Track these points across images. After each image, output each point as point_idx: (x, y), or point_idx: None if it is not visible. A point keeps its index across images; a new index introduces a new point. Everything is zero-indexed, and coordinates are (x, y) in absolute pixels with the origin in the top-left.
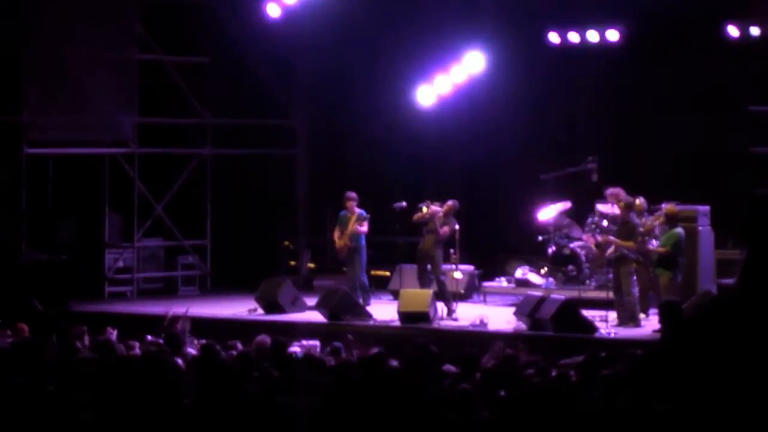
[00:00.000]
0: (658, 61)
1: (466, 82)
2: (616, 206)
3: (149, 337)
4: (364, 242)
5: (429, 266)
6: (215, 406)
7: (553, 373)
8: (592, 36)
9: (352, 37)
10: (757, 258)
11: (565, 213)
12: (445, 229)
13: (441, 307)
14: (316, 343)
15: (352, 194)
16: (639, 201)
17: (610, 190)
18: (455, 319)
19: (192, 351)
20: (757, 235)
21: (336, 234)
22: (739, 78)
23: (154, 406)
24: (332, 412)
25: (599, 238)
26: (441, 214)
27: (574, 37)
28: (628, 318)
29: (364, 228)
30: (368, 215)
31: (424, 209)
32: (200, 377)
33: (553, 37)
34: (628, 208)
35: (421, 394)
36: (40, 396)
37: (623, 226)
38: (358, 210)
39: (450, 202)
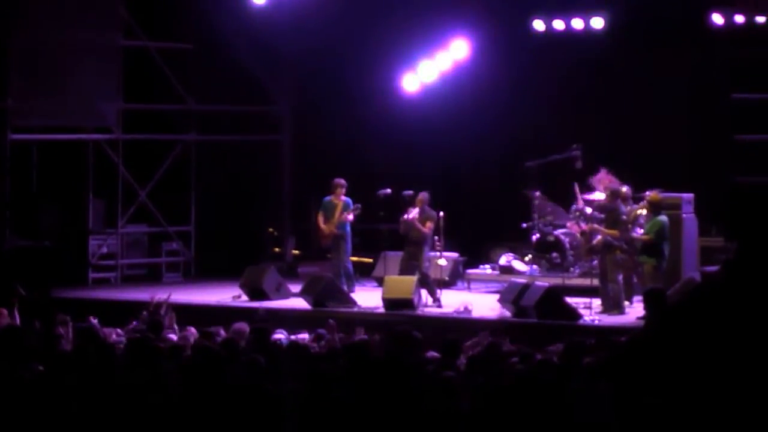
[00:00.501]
0: (642, 48)
1: (452, 68)
2: (602, 190)
3: (135, 323)
4: (349, 230)
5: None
6: (200, 393)
7: (536, 360)
8: (577, 23)
9: (337, 24)
10: (743, 246)
11: (547, 199)
12: (429, 225)
13: (425, 295)
14: (305, 335)
15: (341, 181)
16: (624, 189)
17: (596, 178)
18: (440, 306)
19: (173, 337)
20: (744, 223)
21: (320, 220)
22: (724, 65)
23: (139, 393)
24: (318, 399)
25: (583, 225)
26: (416, 216)
27: (559, 24)
28: (612, 305)
29: (351, 217)
30: (358, 205)
31: (404, 217)
32: (185, 364)
33: (538, 25)
34: (614, 195)
35: (406, 380)
36: (22, 382)
37: (610, 214)
38: (344, 198)
39: (421, 195)
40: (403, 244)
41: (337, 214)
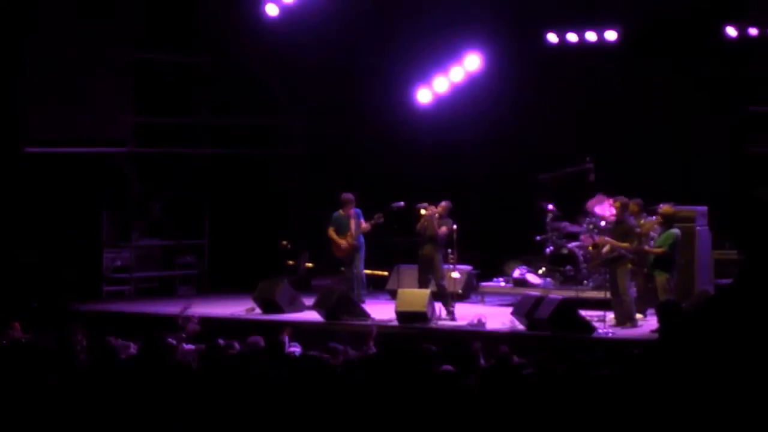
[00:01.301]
0: (656, 61)
1: (465, 81)
2: (610, 206)
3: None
4: (363, 239)
5: (431, 273)
6: (216, 406)
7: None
8: (591, 36)
9: (351, 37)
10: (754, 257)
11: (559, 214)
12: (443, 229)
13: (439, 307)
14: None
15: (350, 196)
16: (635, 202)
17: (591, 201)
18: (454, 319)
19: (190, 347)
20: (754, 235)
21: (332, 234)
22: (738, 78)
23: (151, 404)
24: (333, 412)
25: (597, 238)
26: (437, 215)
27: (572, 37)
28: (624, 318)
29: (366, 227)
30: (380, 214)
31: (423, 211)
32: (201, 376)
33: (552, 37)
34: (623, 208)
35: (421, 392)
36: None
37: (618, 226)
38: (355, 210)
39: (444, 203)
40: (417, 251)
41: (353, 227)
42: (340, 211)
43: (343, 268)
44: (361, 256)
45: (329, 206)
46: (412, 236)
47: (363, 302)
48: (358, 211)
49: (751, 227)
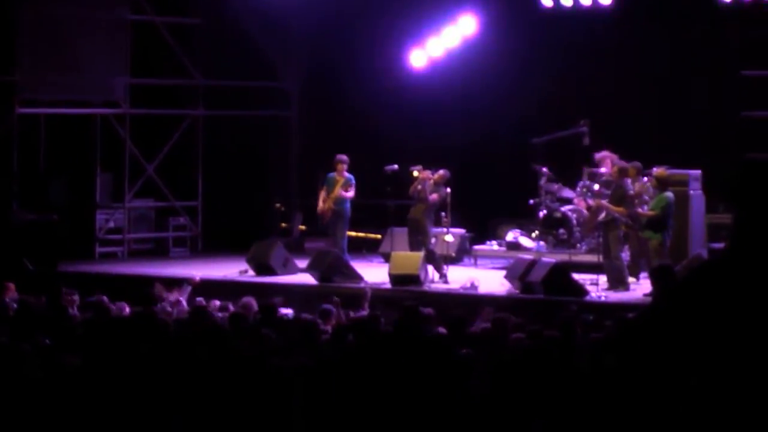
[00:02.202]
0: (650, 24)
1: (459, 44)
2: (605, 166)
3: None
4: (348, 207)
5: (420, 236)
6: (205, 367)
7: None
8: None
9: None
10: (746, 220)
11: (552, 177)
12: (434, 196)
13: (432, 270)
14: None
15: (343, 157)
16: (634, 165)
17: (600, 154)
18: (446, 282)
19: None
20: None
21: (321, 195)
22: (732, 42)
23: (143, 365)
24: (326, 375)
25: (591, 201)
26: (431, 181)
27: (566, 0)
28: (617, 282)
29: (350, 194)
30: (353, 183)
31: (416, 173)
32: (192, 338)
33: (546, 1)
34: (621, 173)
35: (416, 355)
36: (31, 353)
37: (616, 191)
38: (347, 175)
39: (441, 171)
40: (406, 214)
41: (336, 189)
42: (335, 174)
43: (329, 232)
44: (343, 224)
45: (323, 168)
46: (405, 199)
47: None
48: (351, 176)
49: (747, 189)
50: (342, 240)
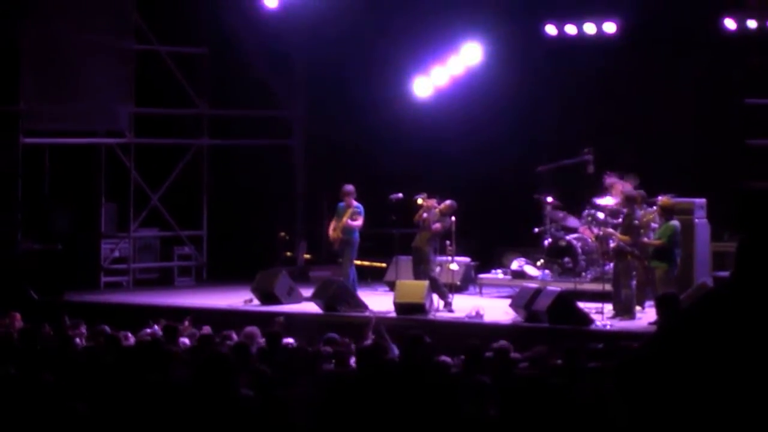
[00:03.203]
0: (654, 53)
1: (463, 73)
2: (614, 194)
3: (148, 330)
4: (357, 236)
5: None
6: (210, 398)
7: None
8: (589, 28)
9: (350, 28)
10: (749, 248)
11: (557, 206)
12: (438, 225)
13: (437, 299)
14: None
15: (349, 187)
16: (639, 194)
17: (610, 180)
18: (451, 311)
19: (185, 341)
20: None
21: (332, 225)
22: (736, 71)
23: (148, 395)
24: (330, 404)
25: (596, 230)
26: (437, 210)
27: (571, 29)
28: (623, 310)
29: (357, 223)
30: (361, 212)
31: (420, 201)
32: (195, 368)
33: (551, 29)
34: (630, 201)
35: (420, 384)
36: (35, 386)
37: (625, 219)
38: (355, 204)
39: (448, 202)
40: (411, 242)
41: (344, 219)
42: (344, 204)
43: (340, 260)
44: (352, 254)
45: (327, 197)
46: (410, 228)
47: None
48: (359, 206)
49: (749, 217)
50: (349, 268)
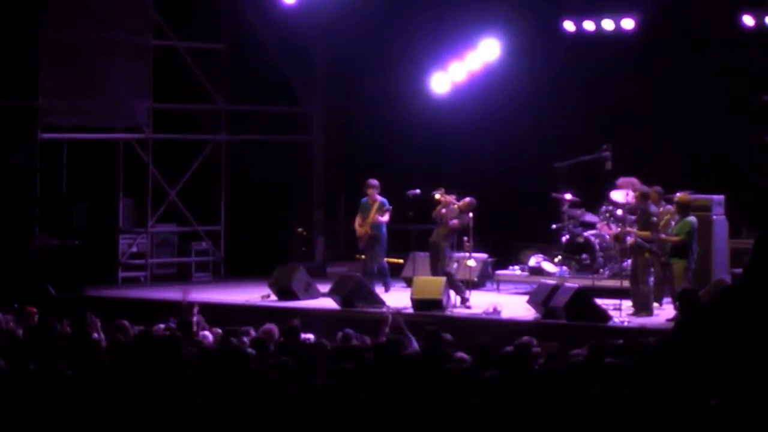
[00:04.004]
0: (672, 49)
1: (481, 69)
2: (630, 194)
3: (161, 325)
4: (385, 231)
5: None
6: (229, 394)
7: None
8: (608, 24)
9: (368, 24)
10: (764, 243)
11: (575, 202)
12: (455, 221)
13: (454, 295)
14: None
15: (373, 181)
16: (655, 190)
17: (622, 180)
18: (468, 307)
19: (208, 335)
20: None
21: (357, 221)
22: (754, 67)
23: (165, 393)
24: (348, 399)
25: (613, 227)
26: (456, 207)
27: (589, 25)
28: (641, 307)
29: (386, 218)
30: (389, 207)
31: (438, 196)
32: (215, 364)
33: (569, 25)
34: (644, 197)
35: (438, 379)
36: (54, 381)
37: (640, 216)
38: (380, 198)
39: (468, 199)
40: (429, 238)
41: (371, 214)
42: (368, 198)
43: (363, 256)
44: (381, 249)
45: (345, 193)
46: (428, 223)
47: (387, 291)
48: (385, 200)
49: (765, 212)
50: (378, 264)
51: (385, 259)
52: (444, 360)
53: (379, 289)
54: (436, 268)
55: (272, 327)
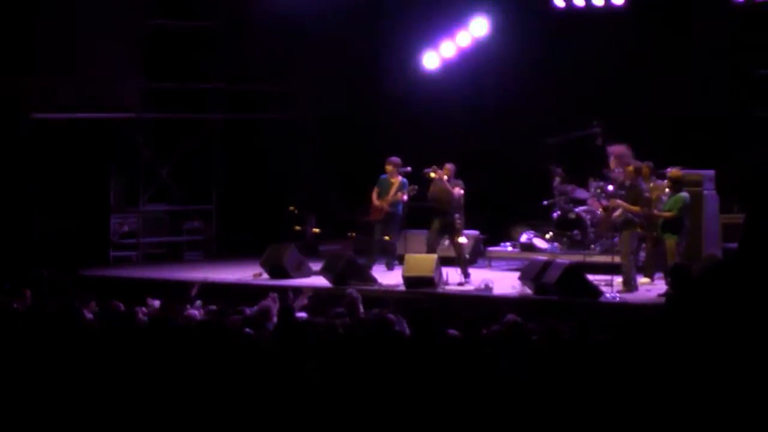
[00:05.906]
0: (662, 24)
1: (471, 45)
2: (618, 166)
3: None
4: (401, 210)
5: (447, 236)
6: (222, 371)
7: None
8: (598, 0)
9: (358, 2)
10: (755, 220)
11: (566, 178)
12: (457, 189)
13: (446, 272)
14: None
15: (395, 159)
16: (646, 165)
17: (613, 148)
18: (465, 284)
19: (195, 313)
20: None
21: (374, 196)
22: (744, 42)
23: (157, 368)
24: (341, 375)
25: (605, 202)
26: (445, 178)
27: (579, 0)
28: (624, 283)
29: (406, 197)
30: (415, 186)
31: (432, 174)
32: (206, 341)
33: (558, 1)
34: (636, 172)
35: (428, 356)
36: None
37: (630, 191)
38: (402, 179)
39: (448, 165)
40: (426, 217)
41: (392, 191)
42: (388, 175)
43: (354, 234)
44: (395, 226)
45: (337, 171)
46: (419, 201)
47: (390, 270)
48: (405, 180)
49: (756, 189)
50: (394, 241)
51: None
52: (436, 337)
53: (380, 267)
54: (434, 246)
55: (269, 303)
